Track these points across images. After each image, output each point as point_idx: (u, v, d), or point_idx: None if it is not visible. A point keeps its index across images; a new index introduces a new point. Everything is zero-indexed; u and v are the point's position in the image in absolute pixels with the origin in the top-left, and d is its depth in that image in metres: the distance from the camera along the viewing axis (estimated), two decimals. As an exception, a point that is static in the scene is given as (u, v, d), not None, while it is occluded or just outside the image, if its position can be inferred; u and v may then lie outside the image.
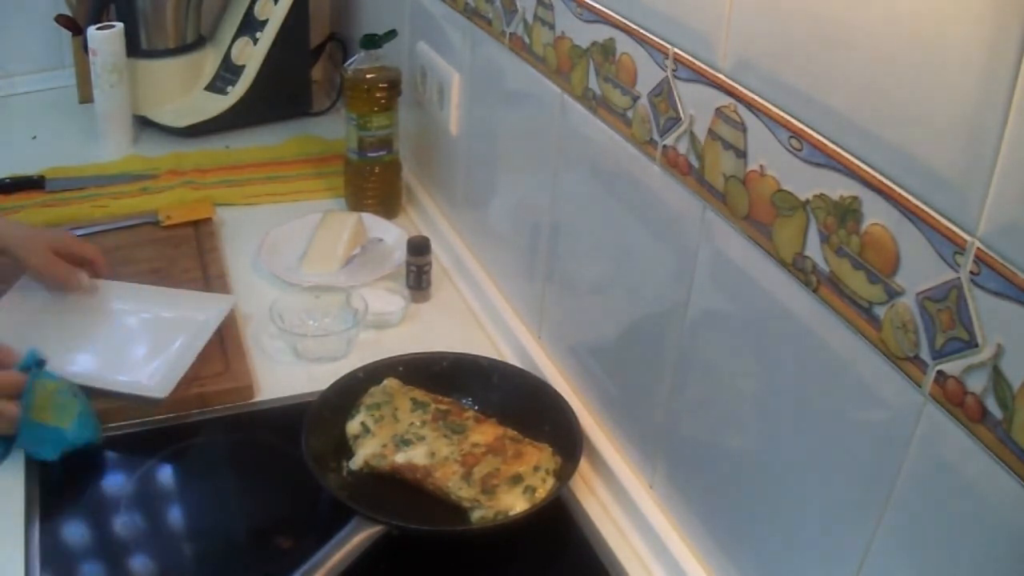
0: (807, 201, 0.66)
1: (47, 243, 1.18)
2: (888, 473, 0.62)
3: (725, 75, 0.74)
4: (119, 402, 1.05)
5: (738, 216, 0.74)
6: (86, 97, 1.76)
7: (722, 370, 0.81)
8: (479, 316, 1.26)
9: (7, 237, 1.18)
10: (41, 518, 0.93)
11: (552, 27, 1.00)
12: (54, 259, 1.17)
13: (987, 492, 0.55)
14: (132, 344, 1.15)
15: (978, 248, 0.53)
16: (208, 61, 1.73)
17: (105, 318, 1.19)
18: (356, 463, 0.97)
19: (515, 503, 0.91)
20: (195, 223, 1.41)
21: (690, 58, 0.77)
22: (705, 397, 0.84)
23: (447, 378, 1.08)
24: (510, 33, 1.10)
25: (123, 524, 0.93)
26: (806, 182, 0.66)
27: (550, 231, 1.08)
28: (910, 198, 0.58)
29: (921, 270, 0.58)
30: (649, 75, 0.83)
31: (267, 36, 1.67)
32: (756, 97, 0.70)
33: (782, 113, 0.68)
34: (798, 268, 0.68)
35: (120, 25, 1.57)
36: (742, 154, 0.73)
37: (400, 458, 0.96)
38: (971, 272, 0.54)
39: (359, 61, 1.39)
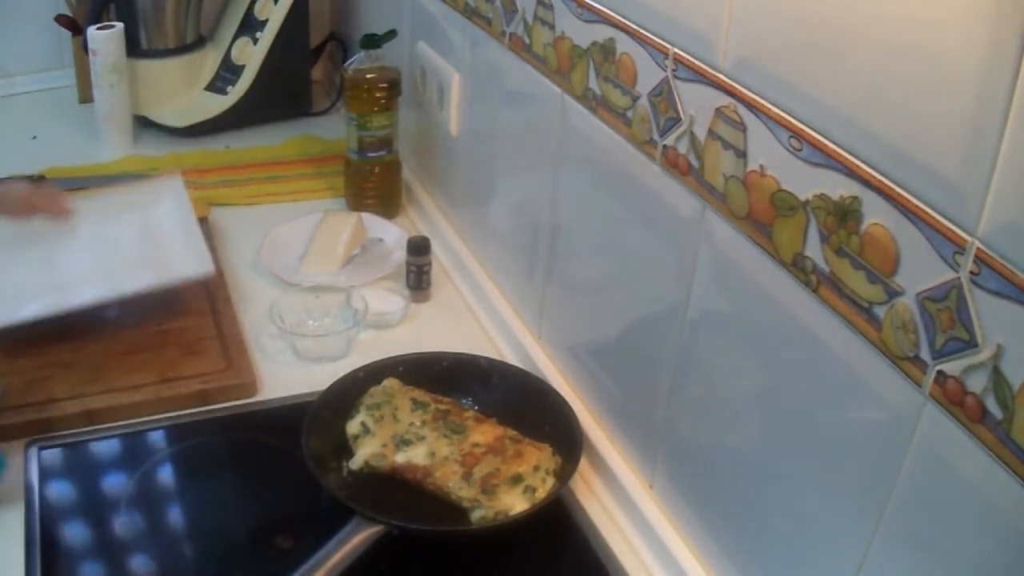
0: (807, 201, 0.66)
1: (24, 183, 1.25)
2: (888, 473, 0.62)
3: (725, 75, 0.74)
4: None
5: (738, 216, 0.74)
6: (86, 97, 1.76)
7: (722, 370, 0.81)
8: (479, 316, 1.26)
9: None
10: (41, 518, 0.93)
11: (552, 27, 1.00)
12: (36, 191, 1.22)
13: (987, 492, 0.55)
14: (133, 250, 1.21)
15: (978, 248, 0.53)
16: (208, 61, 1.73)
17: (83, 238, 1.22)
18: (356, 463, 0.97)
19: (515, 503, 0.91)
20: (191, 222, 1.41)
21: (690, 58, 0.77)
22: (705, 397, 0.84)
23: (447, 378, 1.08)
24: (510, 33, 1.10)
25: (123, 524, 0.93)
26: (806, 182, 0.66)
27: (550, 231, 1.08)
28: (910, 198, 0.58)
29: (921, 270, 0.58)
30: (649, 75, 0.83)
31: (267, 36, 1.67)
32: (756, 97, 0.70)
33: (782, 113, 0.68)
34: (798, 268, 0.68)
35: (120, 25, 1.57)
36: (742, 154, 0.73)
37: (400, 458, 0.96)
38: (971, 272, 0.54)
39: (359, 61, 1.39)
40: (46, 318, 1.10)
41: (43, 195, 1.21)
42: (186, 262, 1.18)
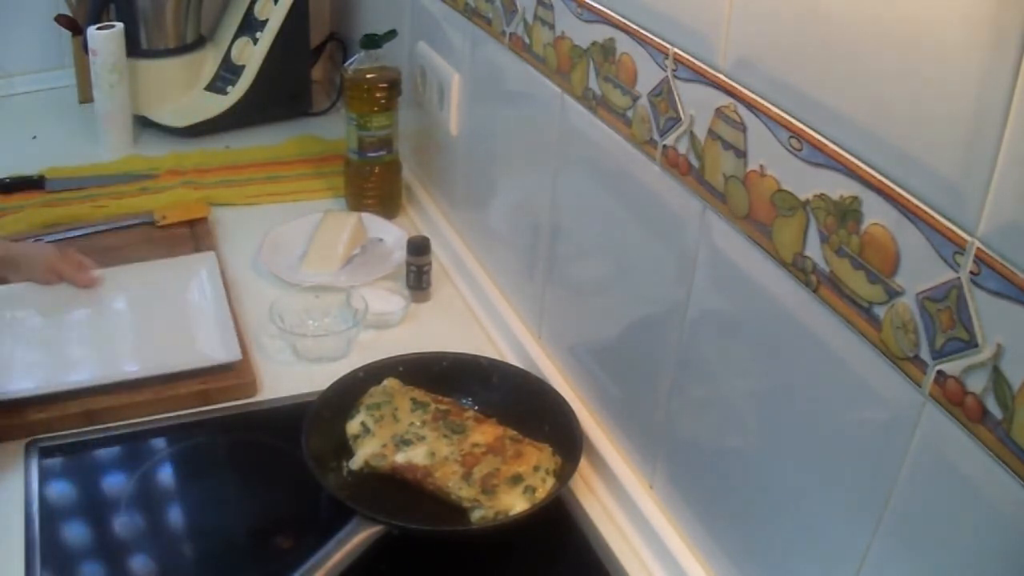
0: (807, 201, 0.66)
1: (52, 249, 1.24)
2: (888, 473, 0.62)
3: (725, 75, 0.74)
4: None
5: (738, 216, 0.74)
6: (86, 97, 1.76)
7: (722, 370, 0.81)
8: (479, 316, 1.26)
9: (13, 245, 1.26)
10: (41, 518, 0.93)
11: (552, 27, 1.00)
12: (63, 258, 1.22)
13: (987, 492, 0.55)
14: (161, 326, 1.17)
15: (978, 248, 0.53)
16: (208, 61, 1.73)
17: (111, 312, 1.20)
18: (356, 463, 0.97)
19: (515, 503, 0.91)
20: (191, 223, 1.41)
21: (690, 58, 0.77)
22: (705, 397, 0.84)
23: (447, 378, 1.08)
24: (510, 33, 1.10)
25: (123, 524, 0.93)
26: (806, 182, 0.66)
27: (550, 231, 1.08)
28: (910, 198, 0.58)
29: (921, 270, 0.58)
30: (649, 75, 0.83)
31: (267, 36, 1.67)
32: (756, 97, 0.70)
33: (782, 113, 0.68)
34: (798, 268, 0.68)
35: (120, 25, 1.57)
36: (742, 154, 0.73)
37: (400, 458, 0.96)
38: (971, 272, 0.54)
39: (359, 61, 1.39)
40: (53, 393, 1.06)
41: (69, 262, 1.22)
42: (213, 347, 1.12)
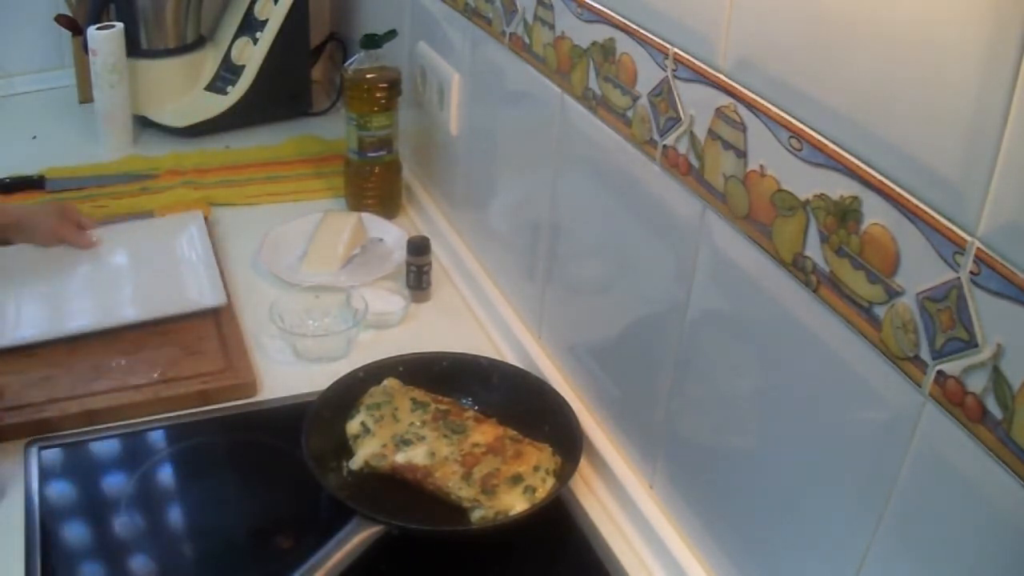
0: (807, 201, 0.66)
1: (54, 212, 1.32)
2: (888, 473, 0.62)
3: (725, 75, 0.74)
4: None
5: (738, 216, 0.74)
6: (86, 97, 1.76)
7: (722, 370, 0.81)
8: (479, 316, 1.26)
9: (17, 209, 1.36)
10: (41, 518, 0.93)
11: (552, 27, 1.00)
12: (64, 221, 1.31)
13: (987, 492, 0.55)
14: (154, 276, 1.27)
15: (978, 248, 0.53)
16: (208, 61, 1.73)
17: (108, 266, 1.29)
18: (356, 463, 0.97)
19: (515, 503, 0.91)
20: (191, 222, 1.42)
21: (690, 58, 0.77)
22: (705, 397, 0.84)
23: (447, 378, 1.08)
24: (510, 33, 1.10)
25: (123, 524, 0.93)
26: (806, 182, 0.66)
27: (550, 231, 1.08)
28: (910, 198, 0.58)
29: (921, 270, 0.58)
30: (649, 75, 0.83)
31: (267, 36, 1.67)
32: (756, 97, 0.70)
33: (782, 113, 0.68)
34: (798, 268, 0.68)
35: (120, 25, 1.57)
36: (742, 154, 0.73)
37: (400, 458, 0.96)
38: (971, 272, 0.54)
39: (359, 61, 1.39)
40: (52, 339, 1.14)
41: (70, 226, 1.30)
42: (201, 291, 1.23)
